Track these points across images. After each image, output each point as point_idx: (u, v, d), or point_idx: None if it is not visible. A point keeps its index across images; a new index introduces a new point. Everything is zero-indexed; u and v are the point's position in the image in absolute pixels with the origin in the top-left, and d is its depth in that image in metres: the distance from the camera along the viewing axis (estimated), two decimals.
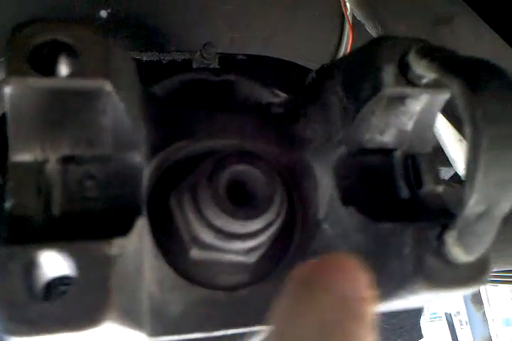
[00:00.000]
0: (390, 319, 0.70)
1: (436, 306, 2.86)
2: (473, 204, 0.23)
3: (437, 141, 0.63)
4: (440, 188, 0.30)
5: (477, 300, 2.90)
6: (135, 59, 0.67)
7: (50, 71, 0.24)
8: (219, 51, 1.03)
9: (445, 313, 2.93)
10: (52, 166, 0.26)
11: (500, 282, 1.25)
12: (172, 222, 0.31)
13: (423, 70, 0.26)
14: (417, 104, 0.29)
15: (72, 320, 0.21)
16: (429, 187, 0.30)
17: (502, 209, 0.23)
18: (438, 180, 0.30)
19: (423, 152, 0.31)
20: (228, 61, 0.69)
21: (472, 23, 0.67)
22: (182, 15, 0.98)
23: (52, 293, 0.23)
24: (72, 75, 0.23)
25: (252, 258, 0.31)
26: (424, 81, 0.27)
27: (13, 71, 0.23)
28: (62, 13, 0.93)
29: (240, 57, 0.72)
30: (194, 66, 0.66)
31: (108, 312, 0.22)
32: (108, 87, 0.24)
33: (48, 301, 0.21)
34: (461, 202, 0.24)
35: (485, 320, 2.90)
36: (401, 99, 0.29)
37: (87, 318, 0.21)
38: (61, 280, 0.24)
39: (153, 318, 0.28)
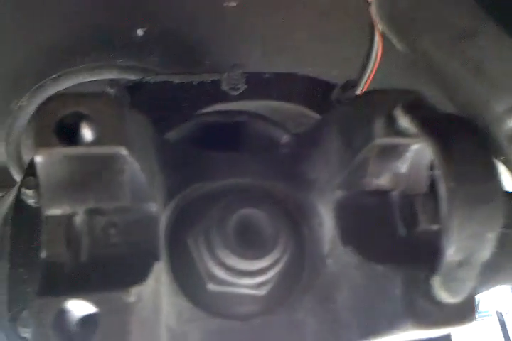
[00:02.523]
0: None
1: (486, 304, 2.78)
2: (452, 254, 0.25)
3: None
4: (436, 227, 0.32)
5: None
6: (167, 82, 0.71)
7: (74, 138, 0.27)
8: (248, 66, 1.06)
9: (496, 312, 2.86)
10: (79, 218, 0.30)
11: None
12: (190, 259, 0.34)
13: (406, 125, 0.28)
14: (409, 150, 0.31)
15: None
16: (424, 226, 0.32)
17: (480, 257, 0.25)
18: (434, 219, 0.32)
19: (419, 192, 0.33)
20: (255, 80, 0.72)
21: (496, 37, 0.66)
22: (216, 31, 1.01)
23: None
24: (91, 143, 0.27)
25: (263, 291, 0.34)
26: (412, 132, 0.29)
27: (41, 143, 0.26)
28: (102, 32, 0.98)
29: (267, 75, 0.74)
30: (223, 86, 0.69)
31: None
32: (123, 151, 0.28)
33: None
34: (441, 251, 0.26)
35: None
36: (393, 148, 0.31)
37: None
38: None
39: None
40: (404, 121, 0.28)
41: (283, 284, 0.35)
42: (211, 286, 0.34)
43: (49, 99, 0.27)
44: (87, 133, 0.27)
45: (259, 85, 0.72)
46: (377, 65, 1.07)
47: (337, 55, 1.06)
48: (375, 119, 0.30)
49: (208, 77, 0.73)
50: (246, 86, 0.70)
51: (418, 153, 0.32)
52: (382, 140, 0.30)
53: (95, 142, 0.27)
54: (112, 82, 0.70)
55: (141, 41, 1.00)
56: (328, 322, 0.33)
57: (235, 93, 0.69)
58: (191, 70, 0.73)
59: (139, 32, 1.00)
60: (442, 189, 0.24)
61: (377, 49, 1.04)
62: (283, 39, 1.03)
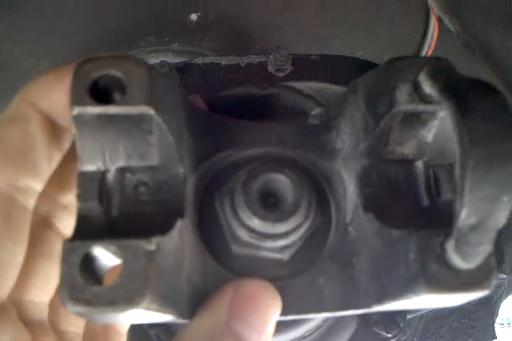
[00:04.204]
0: (460, 318, 0.70)
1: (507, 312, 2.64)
2: (465, 217, 0.25)
3: None
4: None
5: None
6: (215, 63, 0.73)
7: (106, 98, 0.29)
8: (299, 51, 1.06)
9: None
10: (111, 175, 0.32)
11: None
12: (217, 221, 0.36)
13: (430, 91, 0.28)
14: (434, 118, 0.31)
15: (117, 301, 0.27)
16: (447, 196, 0.32)
17: (495, 222, 0.25)
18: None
19: (444, 162, 0.33)
20: (301, 62, 0.72)
21: None
22: (267, 16, 1.02)
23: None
24: (121, 103, 0.29)
25: (286, 255, 0.35)
26: (436, 98, 0.29)
27: (75, 101, 0.29)
28: (157, 17, 1.01)
29: (313, 57, 0.74)
30: (269, 68, 0.70)
31: (146, 296, 0.27)
32: (151, 111, 0.29)
33: (100, 286, 0.27)
34: (455, 214, 0.26)
35: None
36: (417, 115, 0.31)
37: (129, 300, 0.27)
38: None
39: (193, 302, 0.33)
40: (427, 86, 0.28)
41: (306, 250, 0.36)
42: (235, 248, 0.35)
43: (83, 62, 0.29)
44: (118, 93, 0.29)
45: (305, 67, 0.72)
46: (432, 48, 1.04)
47: (390, 38, 1.04)
48: (399, 85, 0.30)
49: (254, 59, 0.74)
50: (292, 67, 0.71)
51: (444, 123, 0.31)
52: (405, 106, 0.30)
53: (125, 102, 0.29)
54: (162, 63, 0.72)
55: (195, 26, 1.03)
56: (346, 288, 0.34)
57: (281, 74, 0.70)
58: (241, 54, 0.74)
59: (193, 17, 1.03)
60: (456, 150, 0.24)
61: (433, 32, 1.01)
62: (334, 23, 1.03)
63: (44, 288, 0.36)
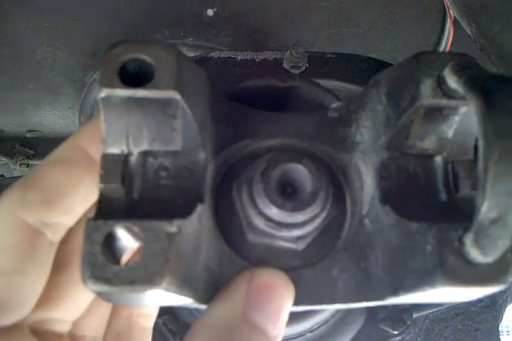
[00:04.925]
0: (465, 320, 0.70)
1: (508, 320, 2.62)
2: (485, 211, 0.25)
3: None
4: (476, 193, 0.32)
5: None
6: (231, 58, 0.73)
7: (134, 81, 0.30)
8: (314, 49, 1.06)
9: None
10: (134, 158, 0.32)
11: None
12: (233, 209, 0.36)
13: (454, 86, 0.28)
14: (456, 114, 0.31)
15: (137, 281, 0.27)
16: (465, 192, 0.32)
17: None
18: (476, 186, 0.32)
19: (464, 159, 0.33)
20: (317, 59, 0.72)
21: None
22: (283, 14, 1.02)
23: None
24: (149, 87, 0.29)
25: (300, 246, 0.36)
26: (460, 94, 0.29)
27: (104, 83, 0.29)
28: (174, 12, 1.02)
29: (329, 55, 0.75)
30: (284, 64, 0.70)
31: (166, 277, 0.27)
32: (177, 96, 0.30)
33: (121, 265, 0.28)
34: (475, 208, 0.26)
35: None
36: (439, 110, 0.31)
37: (149, 280, 0.27)
38: None
39: (209, 288, 0.33)
40: (452, 81, 0.28)
41: (321, 241, 0.36)
42: (250, 236, 0.35)
43: (113, 45, 0.30)
44: (146, 77, 0.30)
45: (320, 65, 0.73)
46: (447, 51, 1.04)
47: (405, 40, 1.04)
48: (423, 80, 0.30)
49: (270, 55, 0.74)
50: (307, 65, 0.71)
51: (465, 119, 0.32)
52: (428, 100, 0.30)
53: (152, 86, 0.29)
54: None
55: (210, 21, 1.04)
56: (360, 280, 0.34)
57: (296, 71, 0.70)
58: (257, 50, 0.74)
59: (209, 12, 1.03)
60: (480, 143, 0.25)
61: (449, 34, 1.01)
62: (349, 24, 1.03)
63: (70, 310, 0.38)
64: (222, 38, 1.05)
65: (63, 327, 0.38)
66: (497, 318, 0.73)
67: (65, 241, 0.36)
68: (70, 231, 0.36)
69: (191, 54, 1.06)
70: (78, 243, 0.37)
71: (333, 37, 1.04)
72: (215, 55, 0.73)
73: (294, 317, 0.46)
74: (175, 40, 1.05)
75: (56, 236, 0.35)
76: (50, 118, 1.15)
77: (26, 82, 1.05)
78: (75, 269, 0.37)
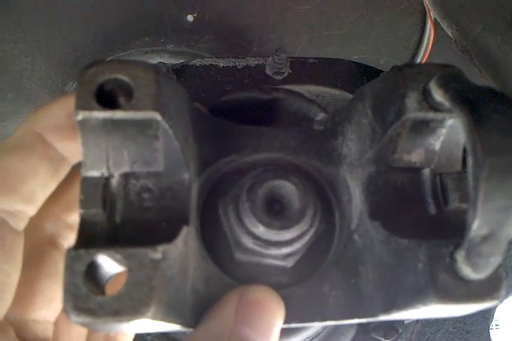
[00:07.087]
0: (455, 323, 0.70)
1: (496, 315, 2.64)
2: (477, 228, 0.25)
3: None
4: (466, 206, 0.31)
5: None
6: (213, 65, 0.72)
7: (112, 103, 0.29)
8: (295, 54, 1.06)
9: None
10: (115, 181, 0.31)
11: None
12: (220, 228, 0.35)
13: (440, 99, 0.28)
14: (443, 126, 0.31)
15: (122, 311, 0.26)
16: (454, 204, 0.32)
17: (506, 232, 0.25)
18: (465, 198, 0.31)
19: (452, 171, 0.32)
20: (300, 65, 0.72)
21: None
22: (263, 18, 1.02)
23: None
24: (128, 108, 0.28)
25: (289, 263, 0.35)
26: (446, 106, 0.29)
27: (80, 105, 0.28)
28: (153, 18, 1.01)
29: (311, 60, 0.74)
30: (267, 71, 0.70)
31: (152, 306, 0.27)
32: (157, 117, 0.29)
33: (104, 296, 0.27)
34: (466, 225, 0.25)
35: None
36: (426, 123, 0.30)
37: (134, 310, 0.26)
38: None
39: (196, 310, 0.32)
40: (438, 94, 0.28)
41: (310, 257, 0.36)
42: (238, 255, 0.34)
43: (90, 66, 0.29)
44: (124, 98, 0.29)
45: (303, 70, 0.72)
46: (428, 52, 1.05)
47: (386, 42, 1.05)
48: (409, 93, 0.30)
49: (253, 62, 0.73)
50: (290, 70, 0.70)
51: (452, 131, 0.31)
52: (415, 114, 0.30)
53: (131, 107, 0.28)
54: (159, 64, 0.72)
55: (191, 27, 1.03)
56: (351, 296, 0.33)
57: (279, 77, 0.69)
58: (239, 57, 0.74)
59: (189, 18, 1.03)
60: (470, 160, 0.24)
61: (429, 36, 1.01)
62: (330, 26, 1.03)
63: (49, 307, 0.36)
64: (203, 43, 1.04)
65: (47, 329, 0.36)
66: (487, 320, 0.73)
67: (30, 233, 0.35)
68: (34, 222, 0.35)
69: (173, 60, 1.05)
70: (44, 236, 0.37)
71: (315, 40, 1.04)
72: (196, 62, 0.72)
73: (286, 332, 0.45)
74: (155, 47, 1.03)
75: (19, 225, 0.33)
76: None
77: (5, 93, 1.03)
78: (46, 263, 0.36)
